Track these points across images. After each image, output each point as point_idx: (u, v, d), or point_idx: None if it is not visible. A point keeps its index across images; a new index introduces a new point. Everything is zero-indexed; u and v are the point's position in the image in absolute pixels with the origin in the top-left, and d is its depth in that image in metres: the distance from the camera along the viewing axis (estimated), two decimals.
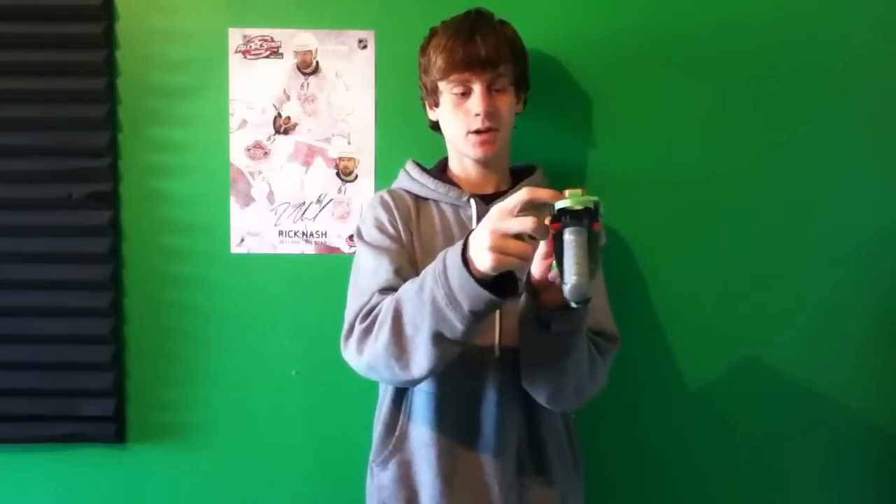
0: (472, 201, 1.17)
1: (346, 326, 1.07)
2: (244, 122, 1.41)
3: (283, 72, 1.40)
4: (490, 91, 1.15)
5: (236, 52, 1.40)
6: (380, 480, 1.17)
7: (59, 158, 1.39)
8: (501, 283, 0.89)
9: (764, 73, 1.38)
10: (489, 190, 1.23)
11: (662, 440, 1.44)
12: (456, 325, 0.91)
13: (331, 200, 1.42)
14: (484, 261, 0.85)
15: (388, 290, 1.04)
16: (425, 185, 1.21)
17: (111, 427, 1.42)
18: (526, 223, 0.82)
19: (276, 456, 1.44)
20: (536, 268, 0.93)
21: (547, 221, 0.83)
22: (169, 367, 1.44)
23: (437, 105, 1.21)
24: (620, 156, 1.40)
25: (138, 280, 1.43)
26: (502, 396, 1.12)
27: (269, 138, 1.41)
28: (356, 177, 1.41)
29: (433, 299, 0.91)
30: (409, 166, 1.25)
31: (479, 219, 1.15)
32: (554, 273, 0.88)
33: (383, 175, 1.39)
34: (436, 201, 1.21)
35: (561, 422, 1.20)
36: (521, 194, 0.84)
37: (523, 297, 0.99)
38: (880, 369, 1.43)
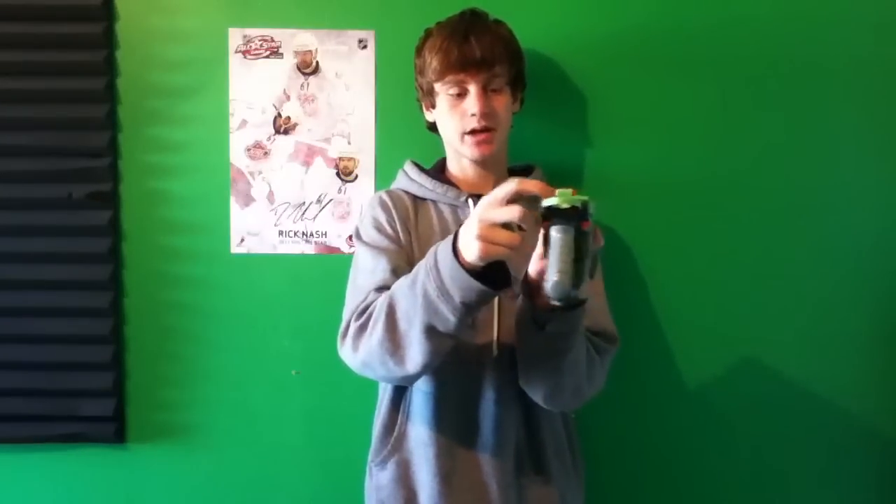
0: (471, 201, 1.17)
1: (342, 325, 1.07)
2: (244, 122, 1.41)
3: (283, 72, 1.40)
4: (486, 91, 1.14)
5: (236, 52, 1.40)
6: (378, 480, 1.17)
7: (59, 158, 1.39)
8: (494, 276, 0.89)
9: (764, 73, 1.38)
10: (487, 190, 1.19)
11: (662, 440, 1.44)
12: (448, 317, 0.90)
13: (331, 200, 1.42)
14: (472, 250, 0.85)
15: (385, 289, 1.04)
16: (423, 186, 1.21)
17: (111, 427, 1.43)
18: (513, 212, 0.82)
19: (276, 456, 1.44)
20: (533, 268, 0.93)
21: (536, 220, 0.83)
22: (169, 367, 1.44)
23: (433, 106, 1.21)
24: (620, 156, 1.40)
25: (138, 280, 1.43)
26: (501, 396, 1.12)
27: (269, 138, 1.41)
28: (356, 177, 1.41)
29: (425, 292, 0.91)
30: (408, 167, 1.25)
31: None
32: None
33: (383, 175, 1.39)
34: (434, 202, 1.21)
35: (560, 421, 1.20)
36: (510, 184, 0.84)
37: (520, 298, 0.99)
38: (880, 369, 1.42)
